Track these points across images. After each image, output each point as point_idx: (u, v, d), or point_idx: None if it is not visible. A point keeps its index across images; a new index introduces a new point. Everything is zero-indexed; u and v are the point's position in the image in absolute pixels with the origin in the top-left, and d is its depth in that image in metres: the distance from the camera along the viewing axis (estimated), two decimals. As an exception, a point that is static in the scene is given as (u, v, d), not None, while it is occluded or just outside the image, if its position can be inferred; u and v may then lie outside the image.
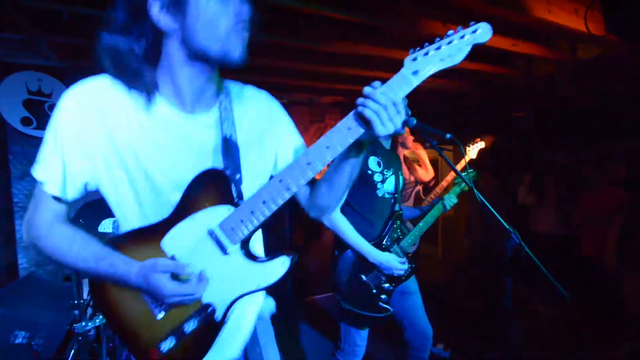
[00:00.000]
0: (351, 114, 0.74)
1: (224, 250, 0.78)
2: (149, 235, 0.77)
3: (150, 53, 0.74)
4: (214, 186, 0.77)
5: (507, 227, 1.36)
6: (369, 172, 1.63)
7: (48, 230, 0.78)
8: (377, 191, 1.66)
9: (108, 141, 0.76)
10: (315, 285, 3.59)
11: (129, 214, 0.81)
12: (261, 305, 1.02)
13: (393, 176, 1.70)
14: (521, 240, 1.38)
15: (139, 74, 0.74)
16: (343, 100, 4.38)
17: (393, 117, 0.70)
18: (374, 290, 1.64)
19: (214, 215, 0.77)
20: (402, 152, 2.70)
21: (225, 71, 0.81)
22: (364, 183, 1.64)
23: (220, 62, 0.75)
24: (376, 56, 2.76)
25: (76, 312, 2.04)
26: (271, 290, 0.92)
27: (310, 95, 4.13)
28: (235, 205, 0.78)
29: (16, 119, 2.73)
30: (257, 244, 0.96)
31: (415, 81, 0.71)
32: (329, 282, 2.62)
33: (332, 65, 2.93)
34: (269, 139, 0.89)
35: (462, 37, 0.70)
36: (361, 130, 0.74)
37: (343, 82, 3.44)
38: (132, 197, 0.79)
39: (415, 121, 1.58)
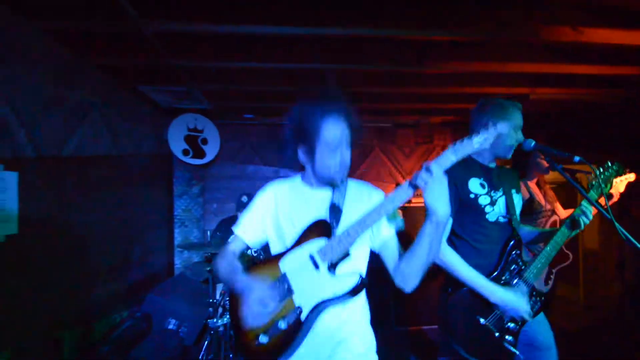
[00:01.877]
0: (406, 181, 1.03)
1: (316, 266, 1.07)
2: (276, 258, 1.15)
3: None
4: (318, 228, 1.12)
5: None
6: (472, 195, 1.48)
7: (226, 258, 1.22)
8: (487, 215, 1.48)
9: (275, 212, 1.21)
10: (424, 315, 3.39)
11: (274, 246, 1.22)
12: (366, 340, 1.17)
13: (504, 196, 1.51)
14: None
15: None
16: (453, 119, 4.17)
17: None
18: (497, 334, 1.43)
19: (315, 245, 1.09)
20: (538, 177, 2.44)
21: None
22: (469, 210, 1.49)
23: (329, 182, 1.17)
24: (481, 71, 2.61)
25: (210, 309, 2.46)
26: (374, 319, 1.21)
27: (417, 117, 4.06)
28: (330, 237, 1.10)
29: (179, 150, 3.54)
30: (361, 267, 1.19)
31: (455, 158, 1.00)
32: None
33: (438, 86, 2.88)
34: (362, 210, 1.12)
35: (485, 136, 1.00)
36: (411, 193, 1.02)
37: (450, 101, 3.33)
38: (276, 236, 1.20)
39: (533, 143, 1.45)
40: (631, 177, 2.03)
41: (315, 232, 1.11)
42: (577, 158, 1.31)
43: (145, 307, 2.72)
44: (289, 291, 1.07)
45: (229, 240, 1.27)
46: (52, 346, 2.00)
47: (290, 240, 1.14)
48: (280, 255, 1.13)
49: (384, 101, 3.34)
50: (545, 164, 2.28)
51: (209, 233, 2.74)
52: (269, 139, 3.79)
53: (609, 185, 1.64)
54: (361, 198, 1.19)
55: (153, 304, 2.73)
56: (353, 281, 1.06)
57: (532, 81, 3.01)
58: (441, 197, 0.98)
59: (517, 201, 1.59)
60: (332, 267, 1.07)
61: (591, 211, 1.50)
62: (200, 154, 3.61)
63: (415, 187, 1.00)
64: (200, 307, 2.83)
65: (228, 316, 2.50)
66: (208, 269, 2.45)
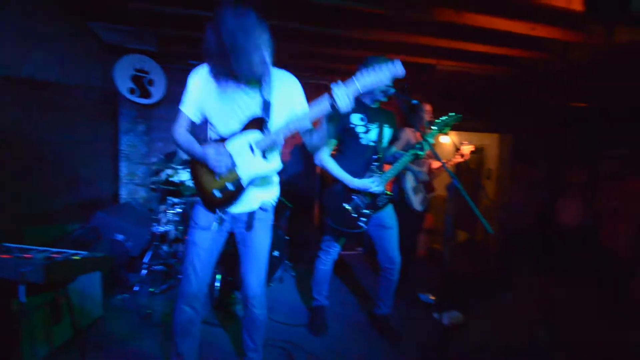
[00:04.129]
0: (326, 95, 1.35)
1: (253, 152, 1.51)
2: (221, 141, 1.53)
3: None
4: (255, 123, 1.49)
5: (481, 216, 1.76)
6: (351, 125, 2.12)
7: (178, 131, 1.56)
8: (360, 140, 2.14)
9: (208, 95, 1.50)
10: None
11: (215, 131, 1.57)
12: (267, 198, 1.68)
13: (377, 129, 2.16)
14: (461, 188, 1.75)
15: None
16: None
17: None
18: (354, 214, 2.14)
19: (252, 136, 1.49)
20: (422, 129, 3.09)
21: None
22: (349, 135, 2.14)
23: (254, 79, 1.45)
24: (396, 41, 3.15)
25: (155, 224, 2.93)
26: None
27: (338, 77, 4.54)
28: (264, 132, 1.49)
29: (125, 88, 3.75)
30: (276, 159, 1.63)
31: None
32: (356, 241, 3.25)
33: (366, 49, 3.35)
34: (289, 103, 1.54)
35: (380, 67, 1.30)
36: (328, 105, 1.35)
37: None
38: (217, 123, 1.55)
39: (393, 91, 2.05)
40: (471, 147, 2.83)
41: (252, 126, 1.49)
42: (415, 101, 1.92)
43: (94, 222, 3.07)
44: (233, 165, 1.51)
45: (179, 119, 1.57)
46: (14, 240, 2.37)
47: (230, 129, 1.51)
48: (226, 139, 1.52)
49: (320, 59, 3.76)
50: (426, 117, 2.97)
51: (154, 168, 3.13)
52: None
53: (446, 128, 2.28)
54: (285, 88, 1.54)
55: (101, 220, 3.09)
56: (278, 164, 1.58)
57: (437, 54, 3.63)
58: (345, 106, 1.32)
59: (387, 133, 2.23)
60: (264, 153, 1.52)
61: (426, 147, 2.15)
62: (146, 94, 3.85)
63: (331, 102, 1.33)
64: (145, 228, 3.23)
65: (171, 226, 2.98)
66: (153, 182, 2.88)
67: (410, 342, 2.33)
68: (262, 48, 1.34)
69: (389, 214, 2.27)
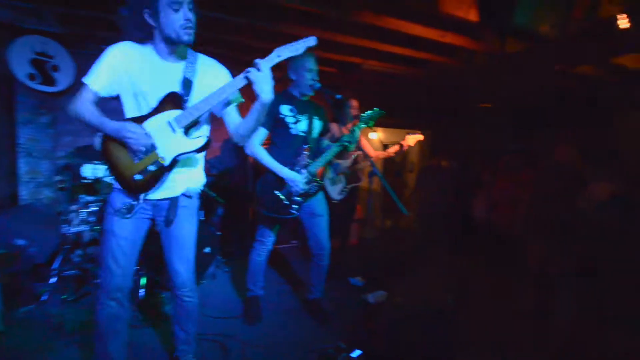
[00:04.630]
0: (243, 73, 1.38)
1: (173, 130, 1.44)
2: (138, 120, 1.43)
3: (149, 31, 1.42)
4: (173, 99, 1.43)
5: (397, 200, 1.92)
6: (281, 116, 2.19)
7: (83, 106, 1.41)
8: (290, 130, 2.21)
9: (125, 71, 1.41)
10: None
11: (131, 109, 1.47)
12: (192, 184, 1.60)
13: (307, 120, 2.25)
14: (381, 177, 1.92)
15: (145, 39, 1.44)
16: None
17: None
18: (286, 202, 2.20)
19: (171, 114, 1.43)
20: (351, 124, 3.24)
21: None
22: (279, 125, 2.19)
23: (178, 43, 1.40)
24: (325, 38, 3.27)
25: (65, 226, 2.63)
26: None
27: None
28: (183, 109, 1.44)
29: (22, 73, 3.27)
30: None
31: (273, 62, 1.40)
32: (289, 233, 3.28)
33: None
34: (214, 87, 1.45)
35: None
36: (243, 77, 1.39)
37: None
38: (133, 100, 1.46)
39: (319, 85, 2.16)
40: (420, 137, 3.08)
41: (170, 103, 1.42)
42: (339, 96, 2.04)
43: (-15, 227, 2.66)
44: (153, 146, 1.41)
45: (81, 93, 1.42)
46: None
47: (147, 107, 1.43)
48: (143, 118, 1.42)
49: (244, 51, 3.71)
50: (352, 112, 3.15)
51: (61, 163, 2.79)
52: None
53: (371, 122, 2.41)
54: (211, 73, 1.50)
55: (-5, 224, 2.69)
56: (202, 141, 1.48)
57: (363, 54, 3.86)
58: (266, 86, 1.36)
59: (317, 125, 2.33)
60: (186, 130, 1.46)
61: (354, 139, 2.28)
62: (49, 81, 3.41)
63: (247, 78, 1.37)
64: (53, 231, 2.88)
65: (85, 227, 2.71)
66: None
67: (340, 322, 2.48)
68: (185, 7, 1.34)
69: (319, 202, 2.38)
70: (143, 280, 2.58)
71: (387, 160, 3.95)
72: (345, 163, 3.11)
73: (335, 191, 3.14)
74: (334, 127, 3.08)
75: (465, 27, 3.06)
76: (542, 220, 3.61)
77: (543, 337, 2.43)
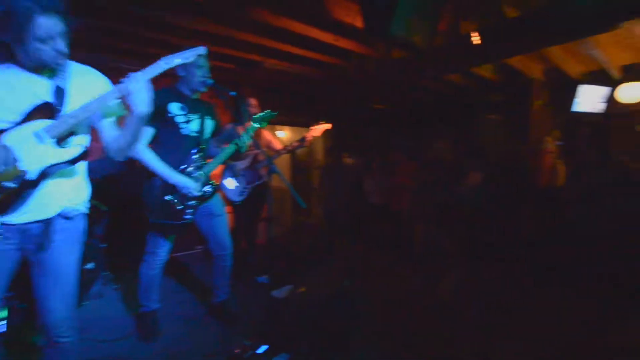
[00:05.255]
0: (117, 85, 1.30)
1: (41, 140, 1.24)
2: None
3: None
4: (43, 110, 1.26)
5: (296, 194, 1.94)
6: (170, 115, 2.02)
7: None
8: (181, 130, 2.05)
9: None
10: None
11: None
12: (71, 203, 1.37)
13: (199, 120, 2.12)
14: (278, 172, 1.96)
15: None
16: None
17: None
18: (180, 207, 2.05)
19: (40, 124, 1.24)
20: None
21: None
22: (167, 125, 2.02)
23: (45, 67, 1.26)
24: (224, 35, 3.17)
25: None
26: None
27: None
28: (54, 118, 1.27)
29: None
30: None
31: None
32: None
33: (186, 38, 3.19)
34: (89, 92, 1.32)
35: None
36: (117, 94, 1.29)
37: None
38: None
39: (212, 81, 2.07)
40: (327, 126, 3.14)
41: (40, 114, 1.25)
42: (233, 93, 1.99)
43: None
44: (14, 160, 1.20)
45: None
46: None
47: (9, 120, 1.23)
48: (2, 132, 1.22)
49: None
50: (251, 110, 3.11)
51: None
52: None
53: (264, 123, 2.41)
54: (86, 80, 1.37)
55: None
56: (77, 150, 1.31)
57: (263, 52, 3.84)
58: (141, 99, 1.29)
59: (209, 125, 2.22)
60: (59, 141, 1.28)
61: (247, 140, 2.26)
62: None
63: (120, 90, 1.28)
64: None
65: None
66: None
67: (249, 321, 2.43)
68: (55, 37, 1.20)
69: (216, 202, 2.28)
70: (3, 313, 2.13)
71: (295, 159, 4.04)
72: (241, 164, 3.06)
73: (235, 193, 3.07)
74: (231, 127, 3.00)
75: (354, 33, 3.30)
76: (424, 205, 4.17)
77: (430, 311, 2.78)
